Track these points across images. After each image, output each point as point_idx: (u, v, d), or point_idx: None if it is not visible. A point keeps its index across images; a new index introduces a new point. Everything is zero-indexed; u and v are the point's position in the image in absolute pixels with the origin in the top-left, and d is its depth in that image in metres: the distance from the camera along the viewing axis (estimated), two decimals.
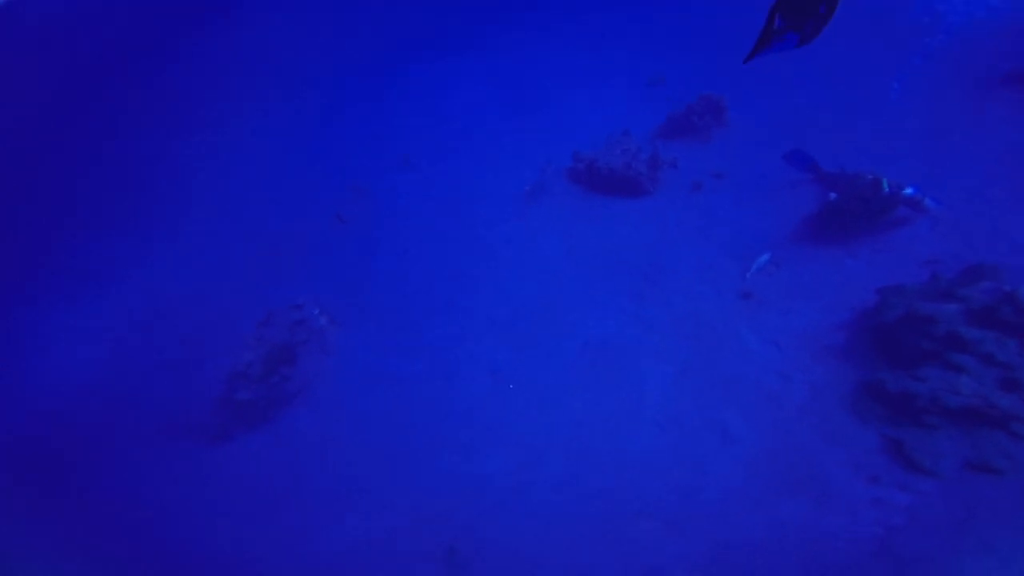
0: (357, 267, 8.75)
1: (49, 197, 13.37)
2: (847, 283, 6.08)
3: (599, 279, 7.33)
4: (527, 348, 6.74)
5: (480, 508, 5.31)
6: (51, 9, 21.47)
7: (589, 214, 8.41)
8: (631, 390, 5.89)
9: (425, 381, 6.74)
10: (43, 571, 5.92)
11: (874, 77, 8.97)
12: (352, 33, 17.19)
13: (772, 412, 5.18)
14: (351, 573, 5.18)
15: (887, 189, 6.37)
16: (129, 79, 17.29)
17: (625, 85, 11.43)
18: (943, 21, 9.38)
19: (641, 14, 14.06)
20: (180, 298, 9.11)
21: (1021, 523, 3.82)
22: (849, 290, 5.99)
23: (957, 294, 4.96)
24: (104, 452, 7.14)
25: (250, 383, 7.01)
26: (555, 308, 7.11)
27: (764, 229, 7.25)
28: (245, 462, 6.51)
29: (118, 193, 12.62)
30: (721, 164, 8.63)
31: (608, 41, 13.31)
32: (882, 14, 10.17)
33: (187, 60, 17.19)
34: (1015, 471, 4.06)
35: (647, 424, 5.50)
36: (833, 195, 6.75)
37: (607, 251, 7.70)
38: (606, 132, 9.78)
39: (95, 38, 19.72)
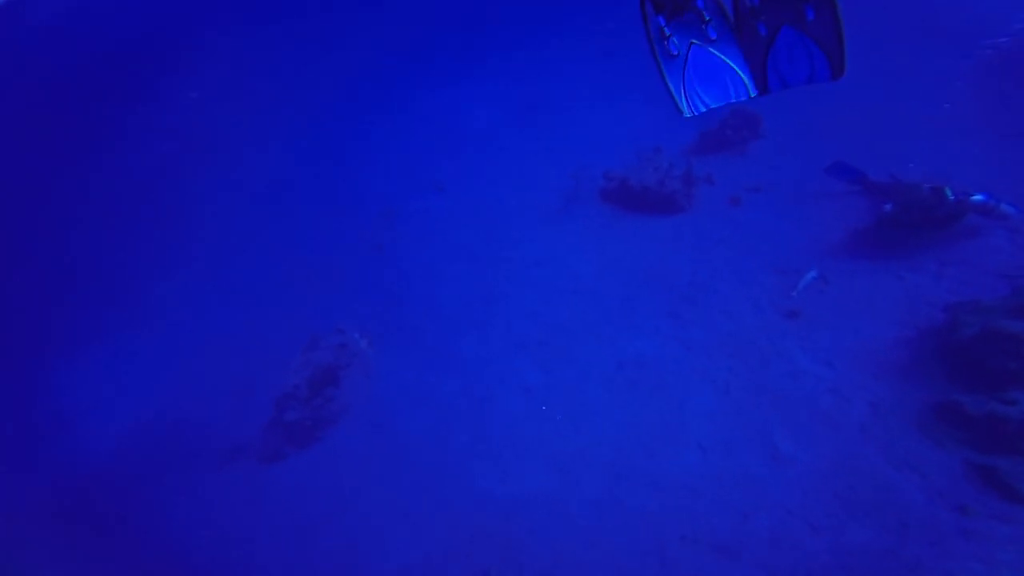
0: (393, 291, 8.79)
1: (99, 241, 14.04)
2: (909, 299, 5.52)
3: (634, 298, 6.99)
4: (560, 368, 6.50)
5: (517, 531, 5.09)
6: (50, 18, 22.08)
7: (622, 232, 8.11)
8: (671, 410, 5.53)
9: (460, 402, 6.63)
10: None
11: (926, 79, 8.44)
12: (369, 60, 17.63)
13: (828, 432, 4.70)
14: None
15: (952, 197, 5.79)
16: (141, 108, 17.94)
17: (653, 98, 11.19)
18: (1006, 24, 8.81)
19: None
20: (229, 331, 9.35)
21: None
22: (911, 306, 5.44)
23: None
24: (170, 476, 7.43)
25: (297, 404, 7.34)
26: (588, 327, 6.84)
27: (809, 243, 6.75)
28: (298, 480, 6.72)
29: (160, 231, 13.18)
30: (759, 177, 8.21)
31: (632, 56, 13.23)
32: (934, 15, 9.66)
33: (208, 91, 17.79)
34: None
35: (690, 445, 5.14)
36: (888, 205, 6.21)
37: (642, 270, 7.36)
38: (634, 149, 9.55)
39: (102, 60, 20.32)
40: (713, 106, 2.11)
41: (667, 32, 2.01)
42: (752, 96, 2.07)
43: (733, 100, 2.10)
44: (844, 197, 7.11)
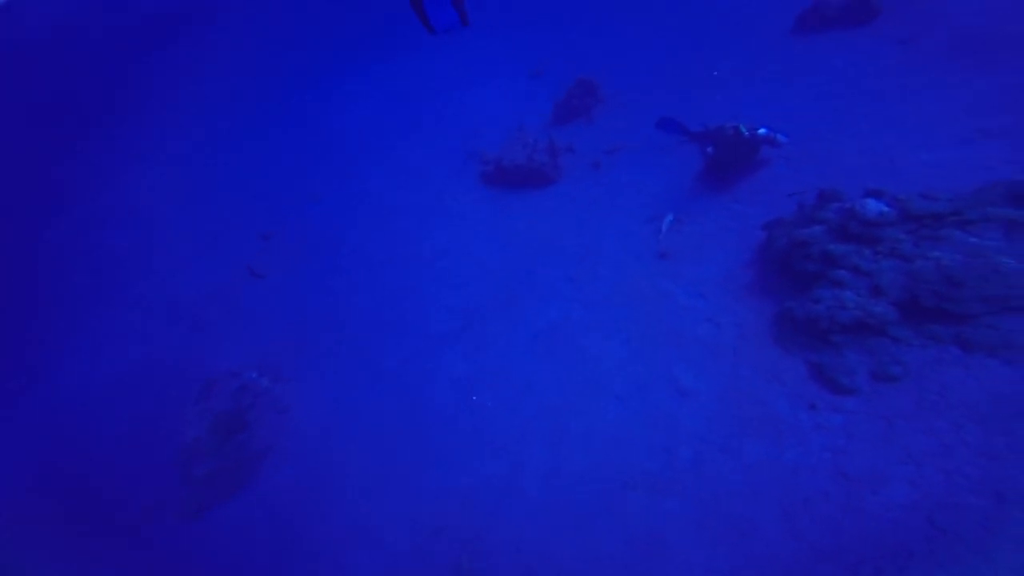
0: (290, 316, 8.45)
1: None
2: (740, 226, 6.83)
3: (534, 272, 7.65)
4: (480, 352, 6.91)
5: (477, 518, 5.34)
6: None
7: (508, 210, 8.70)
8: (588, 369, 6.22)
9: (390, 408, 6.72)
10: None
11: (719, 33, 10.04)
12: (235, 69, 15.77)
13: (713, 359, 5.72)
14: None
15: (746, 133, 7.16)
16: None
17: (510, 78, 11.76)
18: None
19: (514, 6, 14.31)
20: (113, 380, 8.41)
21: (926, 427, 4.35)
22: (744, 231, 6.73)
23: (818, 217, 5.72)
24: (68, 547, 6.69)
25: (204, 457, 6.84)
26: (500, 308, 7.34)
27: (663, 191, 7.91)
28: (231, 529, 6.34)
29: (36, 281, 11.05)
30: (609, 140, 9.21)
31: (489, 38, 13.48)
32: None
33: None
34: (908, 376, 4.64)
35: (611, 398, 5.82)
36: (710, 149, 7.48)
37: (534, 243, 8.03)
38: (500, 128, 10.15)
39: None
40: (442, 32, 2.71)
41: None
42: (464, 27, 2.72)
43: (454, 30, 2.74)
44: (679, 147, 8.42)
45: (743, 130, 7.18)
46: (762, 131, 7.19)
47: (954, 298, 4.79)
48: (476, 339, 7.18)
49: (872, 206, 5.50)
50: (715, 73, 9.13)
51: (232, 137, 13.23)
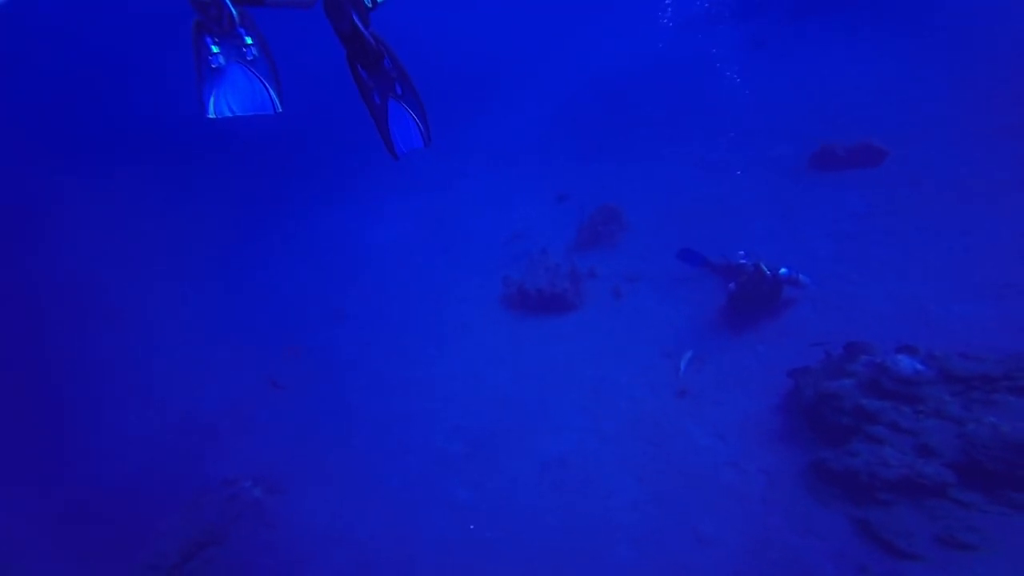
0: (298, 430, 8.32)
1: None
2: (764, 368, 6.61)
3: (549, 399, 7.44)
4: (486, 480, 6.56)
5: None
6: None
7: (527, 336, 8.70)
8: (598, 506, 5.80)
9: (383, 534, 6.28)
10: None
11: (728, 170, 10.67)
12: (264, 181, 17.46)
13: (738, 507, 5.28)
14: None
15: (768, 272, 7.17)
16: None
17: (536, 202, 12.59)
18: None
19: (542, 133, 15.81)
20: (108, 496, 8.07)
21: None
22: (768, 374, 6.49)
23: (847, 370, 5.54)
24: None
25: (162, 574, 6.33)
26: (510, 435, 7.07)
27: (683, 325, 7.84)
28: None
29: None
30: (632, 267, 9.44)
31: (518, 163, 14.74)
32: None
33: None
34: (987, 546, 4.16)
35: (623, 541, 5.38)
36: (732, 285, 7.46)
37: (550, 370, 7.90)
38: (524, 251, 10.59)
39: None
40: (240, 114, 2.54)
41: (214, 49, 2.46)
42: (277, 112, 2.56)
43: (258, 112, 2.58)
44: (701, 279, 8.51)
45: (764, 269, 7.22)
46: (783, 271, 7.21)
47: None
48: (482, 465, 6.84)
49: (906, 364, 5.31)
50: (732, 199, 9.53)
51: (264, 251, 14.12)
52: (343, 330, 10.43)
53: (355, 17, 2.45)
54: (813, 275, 7.27)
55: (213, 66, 2.46)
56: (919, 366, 5.30)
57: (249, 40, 2.49)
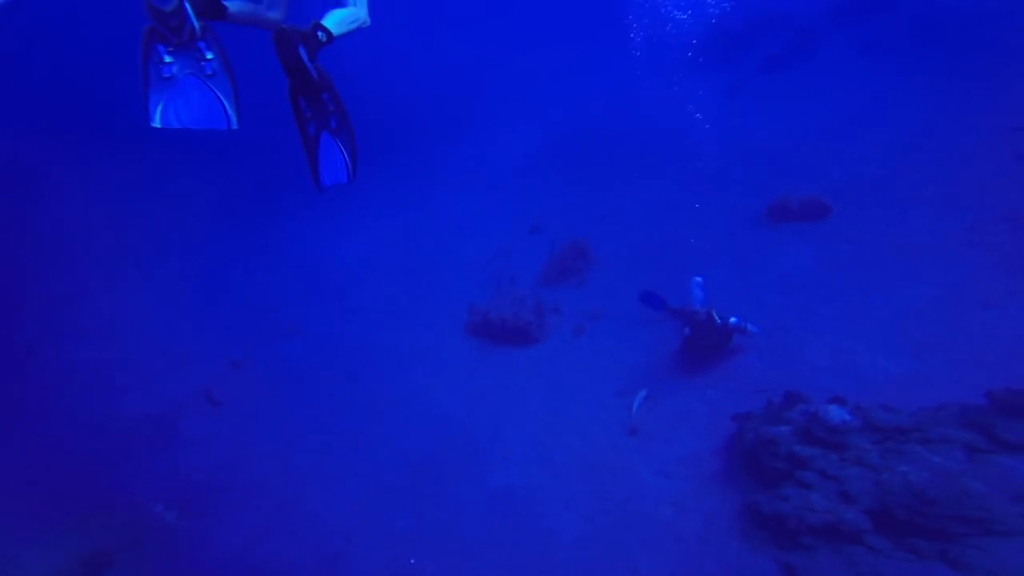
0: (230, 449, 8.13)
1: None
2: (712, 411, 6.93)
3: (501, 429, 7.58)
4: (430, 510, 6.55)
5: None
6: None
7: (487, 365, 8.87)
8: (545, 543, 5.89)
9: (309, 566, 6.11)
10: None
11: (693, 214, 11.21)
12: (232, 190, 17.33)
13: (676, 547, 5.47)
14: None
15: (718, 321, 7.57)
16: None
17: (510, 232, 12.95)
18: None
19: (520, 163, 16.26)
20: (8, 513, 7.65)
21: None
22: (715, 417, 6.81)
23: (785, 417, 5.89)
24: None
25: None
26: (460, 463, 7.12)
27: (640, 365, 8.16)
28: None
29: None
30: (596, 304, 9.75)
31: (495, 191, 15.12)
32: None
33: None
34: None
35: None
36: (687, 330, 7.82)
37: (506, 400, 8.07)
38: (494, 278, 10.86)
39: None
40: (189, 126, 2.50)
41: (167, 59, 2.41)
42: (232, 128, 2.52)
43: (210, 127, 2.53)
44: (659, 322, 8.89)
45: (716, 317, 7.60)
46: (733, 320, 7.61)
47: (928, 514, 4.78)
48: (427, 492, 6.86)
49: (835, 413, 5.68)
50: (692, 240, 10.00)
51: (227, 259, 13.97)
52: (296, 345, 10.35)
53: (301, 51, 2.48)
54: (761, 325, 7.71)
55: (164, 75, 2.41)
56: (847, 416, 5.67)
57: (210, 55, 2.46)
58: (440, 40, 26.59)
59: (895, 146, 10.77)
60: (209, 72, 2.49)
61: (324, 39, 2.60)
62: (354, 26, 2.75)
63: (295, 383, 9.31)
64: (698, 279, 8.26)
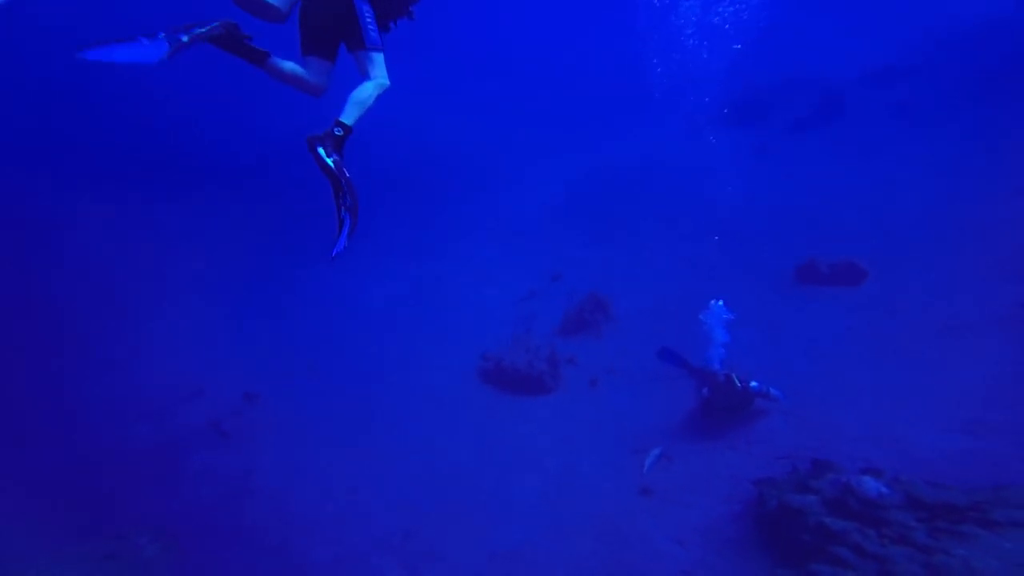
0: (230, 485, 7.94)
1: None
2: (731, 475, 6.47)
3: (508, 483, 7.22)
4: (426, 566, 6.18)
5: None
6: None
7: (497, 414, 8.61)
8: None
9: None
10: None
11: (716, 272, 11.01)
12: (259, 228, 17.96)
13: None
14: None
15: (738, 384, 7.21)
16: None
17: (528, 282, 12.91)
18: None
19: (543, 213, 16.51)
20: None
21: None
22: (735, 481, 6.35)
23: (812, 486, 5.45)
24: None
25: None
26: (460, 516, 6.79)
27: (655, 423, 7.77)
28: None
29: None
30: (613, 359, 9.50)
31: (516, 240, 15.33)
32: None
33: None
34: None
35: None
36: (705, 390, 7.50)
37: (514, 452, 7.73)
38: (511, 327, 10.79)
39: None
40: (111, 60, 2.57)
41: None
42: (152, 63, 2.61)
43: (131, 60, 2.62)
44: (677, 379, 8.54)
45: (736, 381, 7.27)
46: (754, 384, 7.28)
47: None
48: (423, 549, 6.46)
49: (871, 485, 5.26)
50: (716, 300, 9.74)
51: (249, 298, 14.23)
52: (310, 384, 10.30)
53: (319, 150, 2.90)
54: (786, 389, 7.34)
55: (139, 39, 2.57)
56: (884, 489, 5.22)
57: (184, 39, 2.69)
58: (463, 91, 28.07)
59: (931, 211, 10.57)
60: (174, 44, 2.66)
61: (341, 133, 2.95)
62: (371, 101, 3.04)
63: (305, 422, 9.20)
64: (718, 302, 7.92)
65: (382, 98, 3.10)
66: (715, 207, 13.27)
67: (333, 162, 2.87)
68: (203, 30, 2.78)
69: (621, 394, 8.65)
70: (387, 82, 3.11)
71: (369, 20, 3.00)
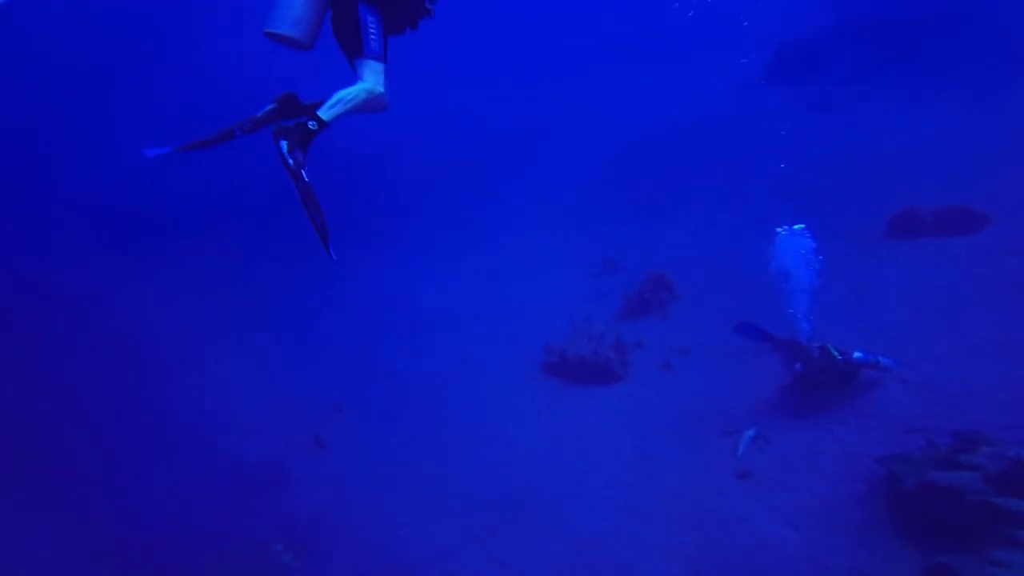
0: (334, 492, 8.01)
1: None
2: (844, 453, 5.60)
3: (586, 472, 6.72)
4: (514, 560, 5.89)
5: None
6: None
7: (566, 405, 8.09)
8: None
9: None
10: None
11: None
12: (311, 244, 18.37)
13: None
14: None
15: (838, 357, 6.31)
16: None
17: (582, 267, 12.33)
18: None
19: (589, 192, 15.88)
20: (141, 544, 7.90)
21: None
22: (850, 460, 5.50)
23: (963, 462, 4.56)
24: None
25: None
26: (543, 509, 6.40)
27: (742, 402, 6.97)
28: None
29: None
30: (684, 339, 8.74)
31: (564, 225, 14.81)
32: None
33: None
34: None
35: None
36: (799, 365, 6.59)
37: (589, 442, 7.20)
38: (568, 318, 10.25)
39: None
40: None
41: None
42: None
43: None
44: (761, 355, 7.70)
45: (834, 353, 6.37)
46: (858, 355, 6.34)
47: None
48: (510, 542, 6.11)
49: None
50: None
51: (317, 308, 14.47)
52: (388, 388, 10.24)
53: (282, 145, 2.76)
54: (898, 355, 6.39)
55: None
56: None
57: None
58: (492, 79, 27.84)
59: None
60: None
61: (315, 127, 2.82)
62: (356, 103, 2.89)
63: (389, 425, 9.18)
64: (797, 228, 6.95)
65: (371, 105, 2.92)
66: (777, 168, 12.26)
67: (293, 162, 2.72)
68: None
69: (700, 375, 7.90)
70: (380, 89, 2.91)
71: (372, 30, 2.88)
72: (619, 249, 12.28)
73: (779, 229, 7.48)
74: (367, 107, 2.90)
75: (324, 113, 2.83)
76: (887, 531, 4.76)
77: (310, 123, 2.78)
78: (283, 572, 6.88)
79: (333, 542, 7.06)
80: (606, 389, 8.29)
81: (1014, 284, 7.02)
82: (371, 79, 2.89)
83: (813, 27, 18.05)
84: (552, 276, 12.38)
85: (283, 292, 15.90)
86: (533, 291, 12.06)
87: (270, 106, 2.94)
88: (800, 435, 6.23)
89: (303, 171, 2.71)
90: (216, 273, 17.54)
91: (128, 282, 16.52)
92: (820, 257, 7.29)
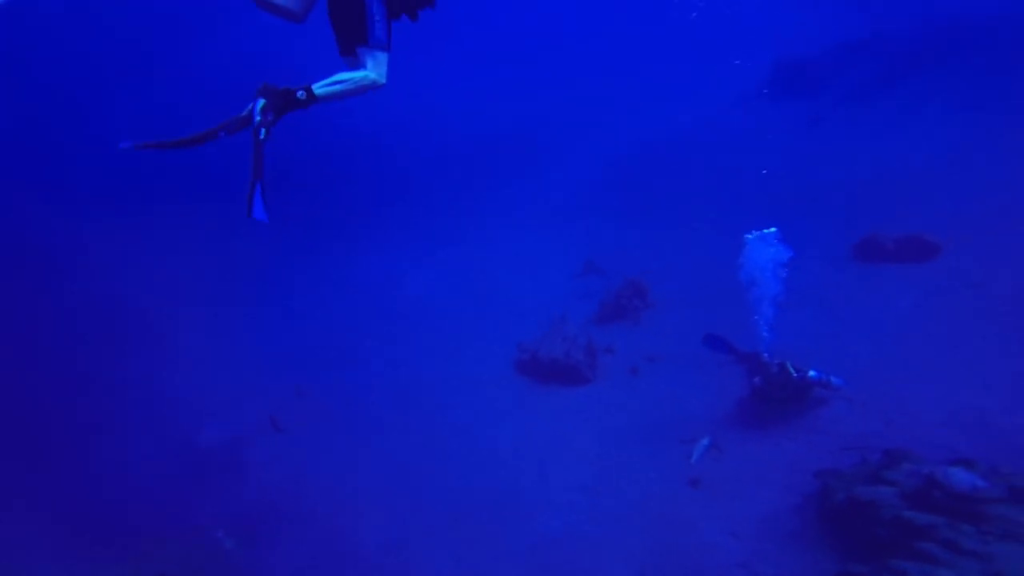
0: (287, 477, 8.04)
1: None
2: (789, 466, 5.95)
3: (548, 472, 6.97)
4: (471, 555, 6.07)
5: None
6: None
7: (534, 404, 8.34)
8: None
9: None
10: None
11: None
12: (313, 219, 18.28)
13: None
14: None
15: (794, 374, 6.65)
16: None
17: (563, 268, 12.57)
18: None
19: (581, 196, 16.10)
20: (87, 520, 7.91)
21: None
22: (793, 473, 5.83)
23: (885, 478, 4.93)
24: None
25: None
26: (503, 505, 6.63)
27: (702, 411, 7.28)
28: None
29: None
30: (653, 346, 9.03)
31: (552, 225, 15.05)
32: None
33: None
34: None
35: None
36: (757, 379, 6.92)
37: (553, 442, 7.45)
38: (547, 317, 10.49)
39: None
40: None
41: None
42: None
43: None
44: (725, 366, 7.98)
45: (791, 370, 6.72)
46: (812, 374, 6.70)
47: None
48: (468, 536, 6.31)
49: (963, 478, 4.69)
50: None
51: (293, 289, 14.40)
52: (355, 375, 10.31)
53: (258, 103, 2.72)
54: (849, 374, 6.73)
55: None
56: (979, 482, 4.65)
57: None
58: (498, 75, 27.81)
59: (1011, 184, 9.52)
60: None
61: (303, 97, 2.76)
62: (352, 86, 2.82)
63: (353, 413, 9.22)
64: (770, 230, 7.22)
65: (369, 92, 2.85)
66: (763, 182, 12.52)
67: (260, 119, 2.68)
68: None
69: (664, 382, 8.21)
70: (383, 81, 2.83)
71: (377, 18, 2.78)
72: (602, 253, 12.53)
73: (747, 235, 7.71)
74: (359, 94, 2.85)
75: (318, 88, 2.76)
76: (814, 542, 5.10)
77: (299, 92, 2.72)
78: (223, 559, 6.73)
79: (280, 529, 7.07)
80: (574, 390, 8.56)
81: (959, 315, 7.41)
82: (375, 69, 2.81)
83: (819, 44, 18.35)
84: (534, 275, 12.61)
85: (263, 268, 15.71)
86: (513, 288, 12.27)
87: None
88: (752, 446, 6.55)
89: (263, 131, 2.67)
90: (200, 241, 17.32)
91: (107, 237, 16.33)
92: (787, 270, 7.56)
